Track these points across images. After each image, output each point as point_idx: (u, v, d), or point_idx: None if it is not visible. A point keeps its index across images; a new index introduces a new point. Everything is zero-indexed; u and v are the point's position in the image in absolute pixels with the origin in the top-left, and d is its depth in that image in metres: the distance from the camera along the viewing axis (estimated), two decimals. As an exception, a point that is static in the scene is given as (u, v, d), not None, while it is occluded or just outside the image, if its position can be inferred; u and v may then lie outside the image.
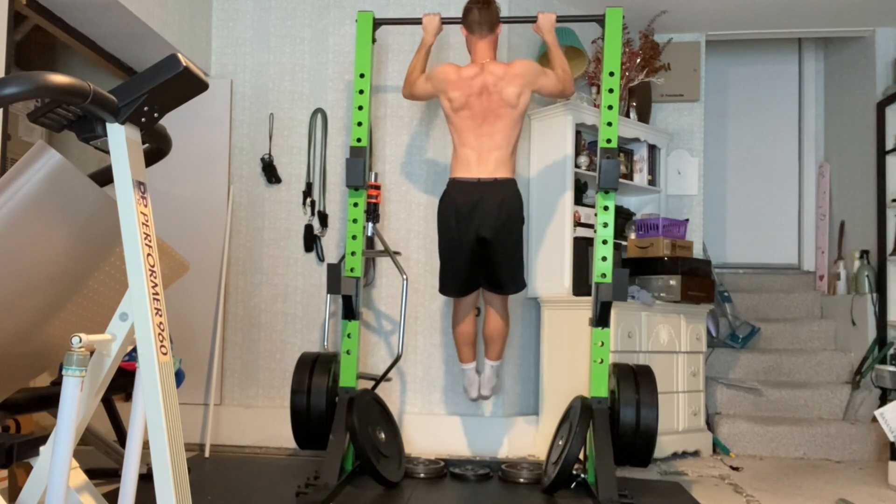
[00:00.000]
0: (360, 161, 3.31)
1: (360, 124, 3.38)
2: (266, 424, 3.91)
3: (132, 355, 2.33)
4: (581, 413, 3.03)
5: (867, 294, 4.45)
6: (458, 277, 3.36)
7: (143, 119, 1.36)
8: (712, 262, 4.58)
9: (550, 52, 3.40)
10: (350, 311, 3.30)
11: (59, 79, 1.20)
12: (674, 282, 3.86)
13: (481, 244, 3.26)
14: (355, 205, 3.35)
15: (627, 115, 4.31)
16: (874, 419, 3.98)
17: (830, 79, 5.39)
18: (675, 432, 3.86)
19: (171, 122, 3.91)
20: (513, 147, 3.32)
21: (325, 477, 2.91)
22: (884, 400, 4.01)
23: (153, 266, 1.36)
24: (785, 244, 5.56)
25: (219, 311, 3.91)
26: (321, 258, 4.00)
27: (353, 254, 3.33)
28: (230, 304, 4.02)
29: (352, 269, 3.32)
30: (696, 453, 3.97)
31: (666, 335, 3.89)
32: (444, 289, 3.43)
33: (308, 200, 4.00)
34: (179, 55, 1.32)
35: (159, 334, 1.34)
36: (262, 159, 4.03)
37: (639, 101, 4.37)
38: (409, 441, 3.80)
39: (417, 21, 3.50)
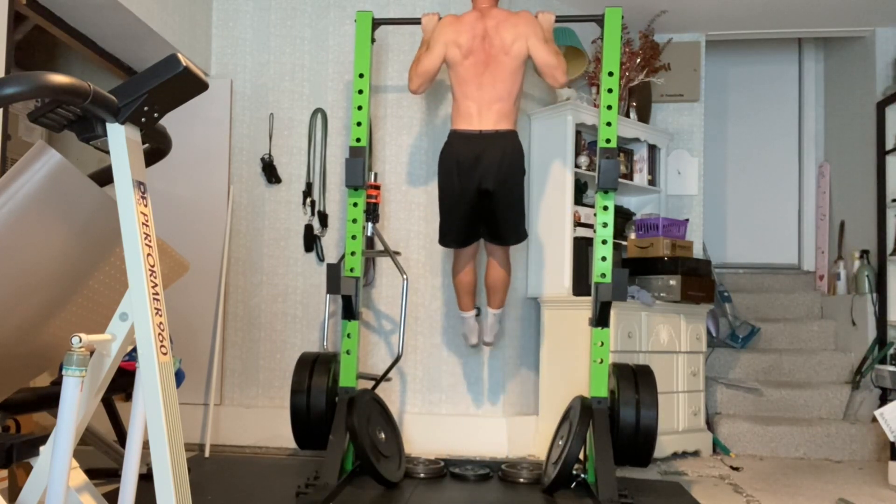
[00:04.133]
0: (359, 161, 3.31)
1: (359, 124, 3.38)
2: (266, 424, 3.91)
3: (132, 355, 2.33)
4: (581, 413, 3.02)
5: (867, 294, 4.45)
6: (458, 229, 3.36)
7: (143, 119, 1.36)
8: (712, 262, 4.58)
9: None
10: (350, 311, 3.30)
11: (59, 79, 1.20)
12: (674, 282, 3.86)
13: (483, 196, 3.26)
14: (355, 205, 3.35)
15: (627, 115, 4.31)
16: (874, 419, 3.98)
17: (830, 79, 5.39)
18: (675, 432, 3.86)
19: (171, 122, 3.92)
20: (514, 98, 3.30)
21: (325, 477, 2.91)
22: (884, 400, 4.02)
23: (153, 266, 1.36)
24: (785, 244, 5.56)
25: (219, 311, 3.91)
26: (321, 258, 4.00)
27: (352, 254, 3.33)
28: (230, 304, 4.02)
29: (351, 269, 3.32)
30: (696, 453, 3.97)
31: (666, 335, 3.89)
32: (444, 240, 3.43)
33: (308, 200, 4.00)
34: (179, 55, 1.32)
35: (159, 334, 1.34)
36: (262, 159, 4.03)
37: (639, 101, 4.37)
38: (409, 441, 3.80)
39: (417, 21, 3.50)
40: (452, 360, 3.88)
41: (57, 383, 2.55)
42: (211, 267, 3.93)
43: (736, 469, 3.68)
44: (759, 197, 5.61)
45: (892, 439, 3.28)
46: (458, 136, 3.29)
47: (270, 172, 4.01)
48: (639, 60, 4.27)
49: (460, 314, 3.64)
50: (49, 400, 2.31)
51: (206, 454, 3.67)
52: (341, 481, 3.01)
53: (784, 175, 5.59)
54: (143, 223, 1.35)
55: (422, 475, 3.34)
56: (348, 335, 3.32)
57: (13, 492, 2.43)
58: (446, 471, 3.43)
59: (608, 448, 2.95)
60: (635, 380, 3.16)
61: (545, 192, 3.99)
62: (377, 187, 3.59)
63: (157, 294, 1.35)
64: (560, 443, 3.15)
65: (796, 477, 3.54)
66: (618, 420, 3.09)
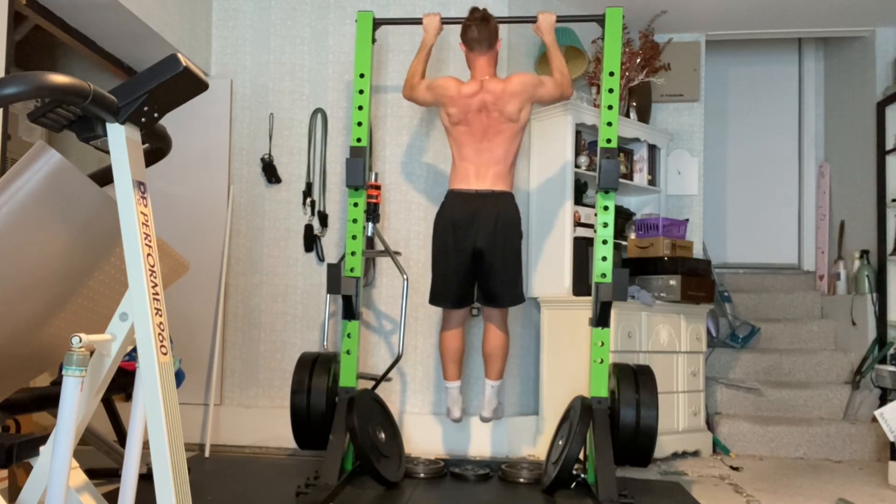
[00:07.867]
0: (360, 161, 3.31)
1: (360, 124, 3.38)
2: (266, 424, 3.91)
3: (132, 355, 2.33)
4: (581, 413, 3.03)
5: (867, 294, 4.45)
6: (452, 289, 3.32)
7: (143, 119, 1.36)
8: (712, 262, 4.58)
9: (549, 52, 3.40)
10: (350, 311, 3.30)
11: (58, 79, 1.20)
12: (674, 282, 3.86)
13: (477, 256, 3.25)
14: (355, 205, 3.35)
15: (627, 115, 4.31)
16: (874, 419, 3.97)
17: (830, 79, 5.39)
18: (675, 432, 3.86)
19: (171, 122, 3.90)
20: (512, 161, 3.32)
21: (325, 477, 2.91)
22: (884, 400, 4.01)
23: (153, 266, 1.36)
24: (785, 244, 5.55)
25: (219, 311, 3.91)
26: (321, 258, 4.00)
27: (353, 254, 3.33)
28: (230, 304, 4.02)
29: (352, 269, 3.32)
30: (696, 453, 3.96)
31: (666, 335, 3.89)
32: (436, 300, 3.38)
33: (308, 200, 4.00)
34: (179, 55, 1.32)
35: (159, 334, 1.34)
36: (262, 159, 4.03)
37: (639, 101, 4.37)
38: (409, 441, 3.80)
39: (417, 21, 3.50)
40: (452, 360, 3.87)
41: (57, 383, 2.55)
42: (211, 267, 3.93)
43: (736, 469, 3.68)
44: (759, 197, 5.61)
45: (892, 439, 3.28)
46: (454, 195, 3.30)
47: (270, 172, 4.01)
48: (639, 60, 4.27)
49: (445, 384, 3.47)
50: (49, 400, 2.31)
51: (206, 454, 3.67)
52: (341, 481, 3.01)
53: (784, 175, 5.58)
54: (143, 223, 1.35)
55: (422, 475, 3.34)
56: (348, 335, 3.32)
57: (13, 492, 2.43)
58: (446, 471, 3.43)
59: (608, 448, 2.95)
60: (635, 380, 3.16)
61: (545, 192, 3.99)
62: (377, 187, 3.59)
63: (157, 294, 1.35)
64: (560, 443, 3.15)
65: (796, 477, 3.53)
66: (618, 420, 3.09)
